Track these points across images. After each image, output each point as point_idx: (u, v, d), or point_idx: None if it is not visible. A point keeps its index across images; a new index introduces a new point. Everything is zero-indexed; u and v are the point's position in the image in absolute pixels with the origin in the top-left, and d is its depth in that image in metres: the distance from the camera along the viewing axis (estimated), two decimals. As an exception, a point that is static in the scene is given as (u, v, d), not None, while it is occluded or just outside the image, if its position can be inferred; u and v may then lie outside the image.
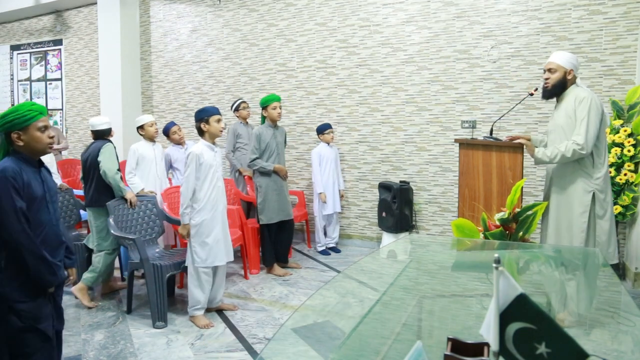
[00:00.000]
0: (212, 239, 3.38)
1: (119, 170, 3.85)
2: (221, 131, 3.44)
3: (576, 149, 2.80)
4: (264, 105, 4.38)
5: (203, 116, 3.37)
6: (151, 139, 4.39)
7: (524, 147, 3.02)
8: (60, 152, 6.54)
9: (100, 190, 3.82)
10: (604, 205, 2.88)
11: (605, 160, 2.92)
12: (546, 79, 3.00)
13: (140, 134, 4.40)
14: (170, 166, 4.88)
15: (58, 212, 2.29)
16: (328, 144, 5.13)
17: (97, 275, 3.80)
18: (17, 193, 2.02)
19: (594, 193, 2.87)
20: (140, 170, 4.30)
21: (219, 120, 3.40)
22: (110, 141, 3.94)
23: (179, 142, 4.91)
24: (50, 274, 2.11)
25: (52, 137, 2.18)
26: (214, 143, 3.45)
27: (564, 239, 2.95)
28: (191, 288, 3.41)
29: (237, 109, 5.28)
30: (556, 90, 2.98)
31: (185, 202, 3.31)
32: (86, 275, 3.79)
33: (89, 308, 3.74)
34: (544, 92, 3.04)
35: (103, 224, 3.81)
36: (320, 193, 5.02)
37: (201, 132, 3.41)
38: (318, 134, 5.15)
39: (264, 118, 4.46)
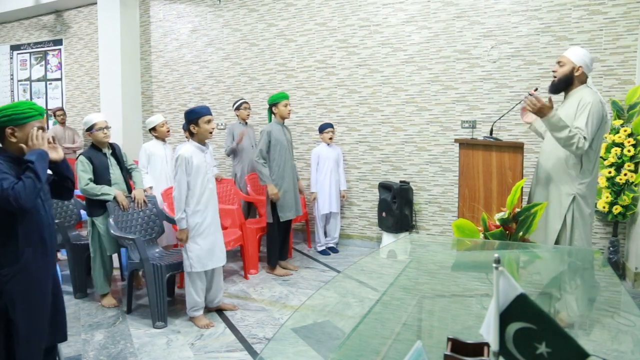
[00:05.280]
0: (205, 242, 3.34)
1: (90, 179, 3.62)
2: (211, 132, 3.32)
3: (579, 144, 2.67)
4: (275, 102, 4.36)
5: (192, 118, 3.25)
6: (163, 138, 4.51)
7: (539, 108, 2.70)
8: (75, 152, 6.56)
9: (87, 201, 3.76)
10: (583, 211, 2.83)
11: (595, 168, 2.86)
12: (554, 71, 2.94)
13: (153, 135, 4.50)
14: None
15: (52, 212, 2.24)
16: (327, 144, 5.12)
17: (100, 279, 3.79)
18: None
19: (574, 197, 2.83)
20: (151, 168, 4.39)
21: (209, 121, 3.29)
22: (82, 154, 3.70)
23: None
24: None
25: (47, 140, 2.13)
26: (204, 144, 3.37)
27: (540, 236, 2.92)
28: (188, 290, 3.40)
29: (237, 108, 5.31)
30: (561, 84, 2.91)
31: (179, 207, 3.24)
32: (96, 285, 3.84)
33: (116, 306, 3.78)
34: (550, 85, 2.96)
35: (91, 233, 3.77)
36: (312, 192, 5.09)
37: (191, 134, 3.32)
38: (319, 133, 5.16)
39: (270, 116, 4.46)
